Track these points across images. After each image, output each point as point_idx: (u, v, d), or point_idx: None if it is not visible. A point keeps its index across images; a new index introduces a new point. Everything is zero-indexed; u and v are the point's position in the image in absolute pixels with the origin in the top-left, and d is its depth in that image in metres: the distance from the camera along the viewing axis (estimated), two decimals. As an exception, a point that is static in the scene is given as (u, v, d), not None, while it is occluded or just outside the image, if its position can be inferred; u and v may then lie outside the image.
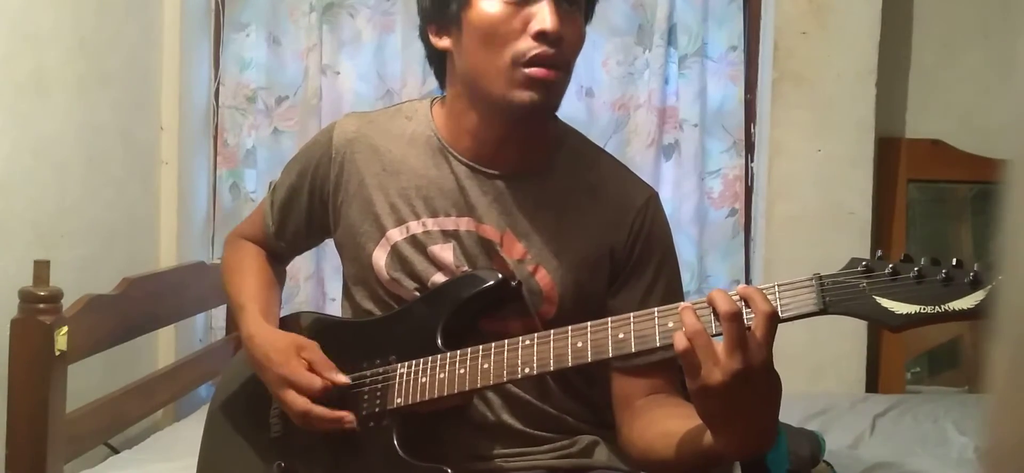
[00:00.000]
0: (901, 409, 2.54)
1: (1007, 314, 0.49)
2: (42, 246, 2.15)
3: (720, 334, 1.00)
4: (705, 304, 1.02)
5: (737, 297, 1.00)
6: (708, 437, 1.05)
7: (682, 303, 1.04)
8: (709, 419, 1.03)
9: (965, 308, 0.95)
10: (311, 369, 1.23)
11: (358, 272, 1.33)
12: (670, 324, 1.05)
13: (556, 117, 1.33)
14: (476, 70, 1.22)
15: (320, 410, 1.21)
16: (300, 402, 1.21)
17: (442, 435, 1.25)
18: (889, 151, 2.88)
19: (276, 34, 2.88)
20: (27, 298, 1.71)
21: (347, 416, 1.22)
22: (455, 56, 1.25)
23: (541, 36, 1.16)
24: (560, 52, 1.17)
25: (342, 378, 1.23)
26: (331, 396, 1.22)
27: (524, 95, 1.18)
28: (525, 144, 1.28)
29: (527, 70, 1.17)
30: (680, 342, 0.99)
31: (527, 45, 1.16)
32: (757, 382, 0.98)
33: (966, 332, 2.82)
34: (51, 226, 2.23)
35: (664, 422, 1.18)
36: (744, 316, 0.99)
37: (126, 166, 2.56)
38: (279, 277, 1.47)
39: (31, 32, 2.14)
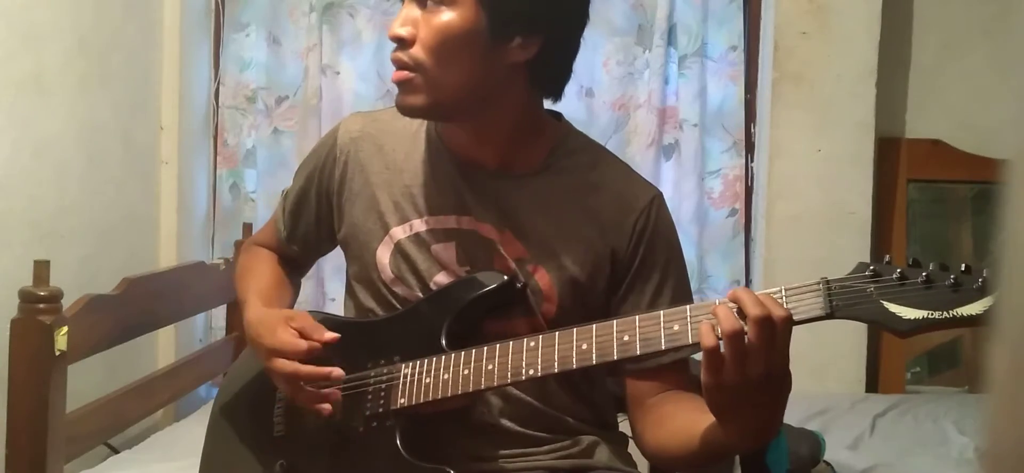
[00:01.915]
0: (901, 409, 2.54)
1: (1007, 314, 0.49)
2: (42, 246, 2.15)
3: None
4: (730, 303, 1.01)
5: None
6: (717, 430, 1.07)
7: (692, 304, 1.05)
8: (720, 413, 1.04)
9: (973, 314, 0.94)
10: (302, 336, 1.23)
11: (361, 270, 1.34)
12: (676, 327, 1.05)
13: (560, 116, 1.34)
14: None
15: (307, 369, 1.20)
16: (286, 366, 1.21)
17: (445, 436, 1.25)
18: (889, 151, 2.88)
19: (276, 34, 2.88)
20: (27, 298, 1.71)
21: (335, 371, 1.21)
22: None
23: (391, 40, 1.21)
24: (407, 53, 1.19)
25: (330, 335, 1.22)
26: (320, 358, 1.21)
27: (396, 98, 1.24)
28: (513, 142, 1.27)
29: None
30: (709, 339, 0.99)
31: (392, 48, 1.22)
32: (775, 382, 1.00)
33: (966, 332, 2.82)
34: (51, 226, 2.23)
35: (674, 418, 1.20)
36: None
37: (126, 166, 2.56)
38: (292, 282, 1.46)
39: (31, 32, 2.14)
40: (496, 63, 1.20)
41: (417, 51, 1.19)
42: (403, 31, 1.19)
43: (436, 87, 1.19)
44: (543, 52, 1.21)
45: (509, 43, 1.19)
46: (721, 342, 0.99)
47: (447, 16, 1.17)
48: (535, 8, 1.19)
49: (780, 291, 1.02)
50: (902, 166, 2.88)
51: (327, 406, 1.21)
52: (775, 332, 0.98)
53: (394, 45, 1.21)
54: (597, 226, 1.27)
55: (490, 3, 1.17)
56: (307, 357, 1.21)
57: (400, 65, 1.20)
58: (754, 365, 0.98)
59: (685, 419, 1.16)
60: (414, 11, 1.19)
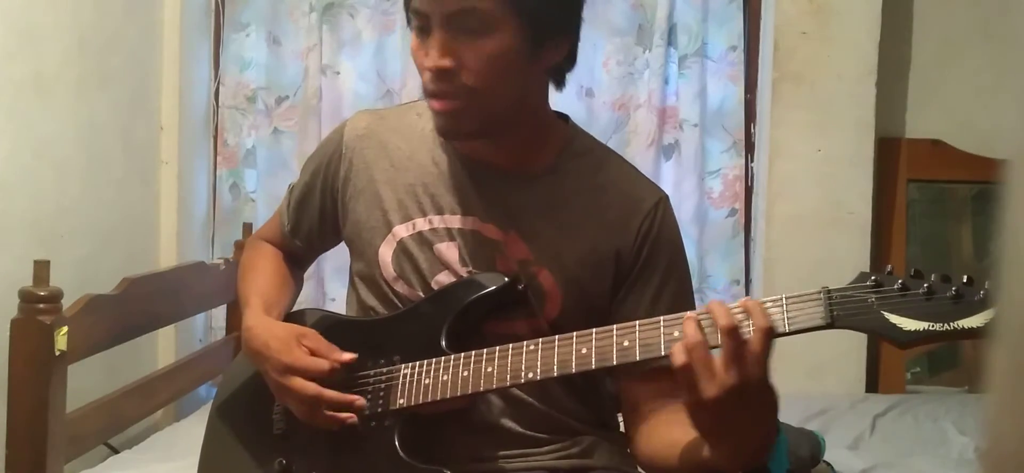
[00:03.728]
0: (901, 409, 2.54)
1: (1007, 314, 0.49)
2: (42, 246, 2.15)
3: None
4: (707, 315, 1.02)
5: (738, 309, 1.00)
6: (706, 449, 1.06)
7: (686, 313, 1.04)
8: (705, 432, 1.04)
9: (974, 326, 0.94)
10: (314, 355, 1.23)
11: (365, 267, 1.34)
12: (676, 333, 1.05)
13: (567, 118, 1.34)
14: None
15: (331, 394, 1.20)
16: (309, 388, 1.20)
17: (444, 436, 1.25)
18: (889, 151, 2.88)
19: (276, 34, 2.88)
20: (27, 298, 1.71)
21: (358, 400, 1.21)
22: None
23: (428, 71, 1.18)
24: (452, 83, 1.17)
25: (348, 356, 1.22)
26: (338, 381, 1.22)
27: (435, 122, 1.22)
28: (525, 144, 1.27)
29: (430, 102, 1.20)
30: (679, 357, 1.00)
31: (427, 78, 1.19)
32: (752, 397, 0.98)
33: (966, 334, 2.82)
34: (51, 226, 2.23)
35: (668, 430, 1.18)
36: (743, 330, 0.99)
37: (126, 166, 2.56)
38: (295, 278, 1.46)
39: (31, 32, 2.14)
40: (534, 72, 1.21)
41: (467, 80, 1.16)
42: (447, 62, 1.16)
43: (488, 110, 1.19)
44: (569, 50, 1.23)
45: (544, 50, 1.20)
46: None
47: (493, 40, 1.15)
48: (567, 11, 1.20)
49: (780, 300, 1.01)
50: (902, 166, 2.88)
51: (351, 417, 1.21)
52: (744, 343, 0.98)
53: (429, 74, 1.17)
54: (602, 228, 1.27)
55: (530, 18, 1.16)
56: (328, 378, 1.20)
57: (446, 95, 1.17)
58: (727, 378, 0.97)
59: (678, 433, 1.14)
60: (450, 39, 1.15)
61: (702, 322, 1.02)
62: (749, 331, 0.99)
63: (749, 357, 0.97)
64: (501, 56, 1.16)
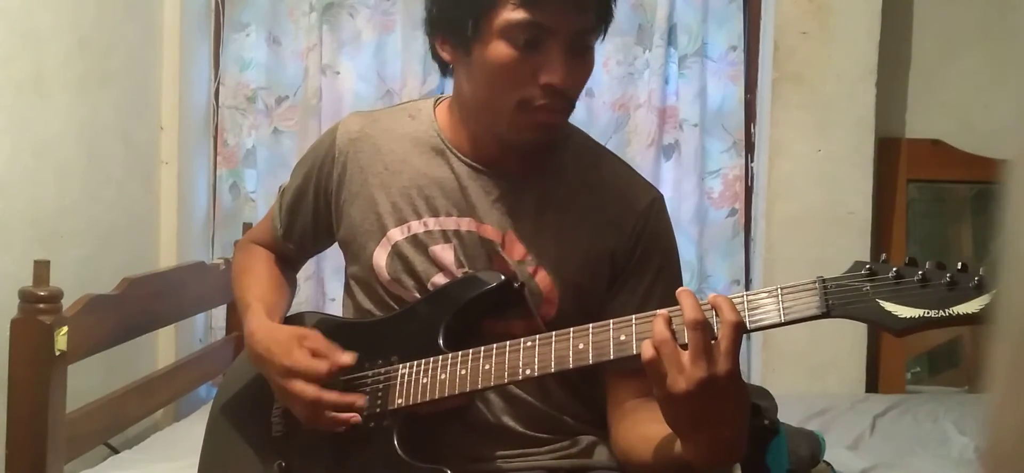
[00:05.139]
0: (901, 409, 2.54)
1: (1007, 313, 0.49)
2: (42, 246, 2.15)
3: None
4: (680, 311, 1.02)
5: (707, 305, 1.00)
6: (678, 444, 1.06)
7: (660, 310, 1.03)
8: (676, 427, 1.04)
9: (969, 312, 0.94)
10: (314, 356, 1.23)
11: (359, 271, 1.34)
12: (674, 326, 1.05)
13: None
14: (481, 102, 1.23)
15: (330, 396, 1.20)
16: (309, 391, 1.20)
17: (442, 436, 1.25)
18: (889, 151, 2.88)
19: (276, 34, 2.88)
20: (27, 298, 1.71)
21: (358, 400, 1.21)
22: (460, 73, 1.26)
23: (549, 87, 1.16)
24: (568, 97, 1.20)
25: (347, 357, 1.22)
26: (338, 383, 1.22)
27: (527, 135, 1.21)
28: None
29: (534, 116, 1.19)
30: (647, 351, 1.00)
31: (535, 93, 1.17)
32: (721, 392, 0.98)
33: (966, 332, 2.82)
34: (51, 226, 2.23)
35: (645, 426, 1.19)
36: (714, 325, 0.99)
37: (126, 166, 2.56)
38: (289, 281, 1.46)
39: (31, 32, 2.14)
40: None
41: (575, 92, 1.20)
42: (572, 80, 1.18)
43: (568, 119, 1.25)
44: None
45: None
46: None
47: (592, 52, 1.22)
48: None
49: (776, 290, 1.01)
50: (902, 166, 2.88)
51: (354, 417, 1.21)
52: (712, 338, 0.98)
53: (544, 90, 1.16)
54: (598, 228, 1.27)
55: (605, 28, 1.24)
56: (327, 380, 1.20)
57: (557, 111, 1.20)
58: (695, 371, 0.97)
59: (654, 429, 1.14)
60: (571, 55, 1.17)
61: (673, 318, 1.02)
62: (717, 326, 0.99)
63: (717, 351, 0.98)
64: (591, 67, 1.23)
